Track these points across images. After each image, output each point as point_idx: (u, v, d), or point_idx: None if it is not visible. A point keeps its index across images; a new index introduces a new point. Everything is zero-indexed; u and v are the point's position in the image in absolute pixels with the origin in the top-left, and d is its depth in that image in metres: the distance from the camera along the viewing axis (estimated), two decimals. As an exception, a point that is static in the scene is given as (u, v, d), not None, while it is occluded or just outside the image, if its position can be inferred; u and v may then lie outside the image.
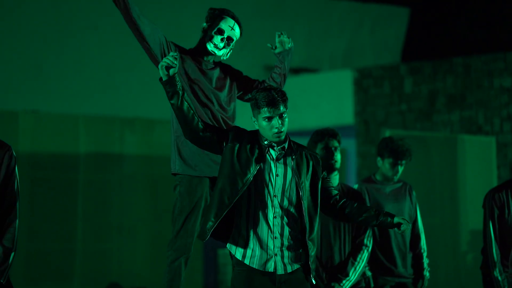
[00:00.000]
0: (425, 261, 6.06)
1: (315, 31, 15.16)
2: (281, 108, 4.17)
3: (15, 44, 12.15)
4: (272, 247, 4.17)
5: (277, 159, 4.22)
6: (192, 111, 4.18)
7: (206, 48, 4.89)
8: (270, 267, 4.17)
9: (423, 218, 6.24)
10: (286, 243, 4.18)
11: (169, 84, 4.15)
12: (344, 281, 5.30)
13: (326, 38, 15.32)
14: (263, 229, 4.17)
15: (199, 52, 4.92)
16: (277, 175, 4.19)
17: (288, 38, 5.09)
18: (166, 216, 9.83)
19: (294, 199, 4.20)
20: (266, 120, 4.17)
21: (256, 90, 4.26)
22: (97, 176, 10.15)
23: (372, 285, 5.80)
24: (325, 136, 5.43)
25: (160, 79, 4.18)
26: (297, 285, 4.20)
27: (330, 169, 5.38)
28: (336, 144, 5.43)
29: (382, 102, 12.16)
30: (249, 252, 4.17)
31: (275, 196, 4.18)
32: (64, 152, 10.01)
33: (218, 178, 4.20)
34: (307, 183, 4.24)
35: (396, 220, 4.32)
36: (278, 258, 4.17)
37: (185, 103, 4.17)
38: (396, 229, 4.34)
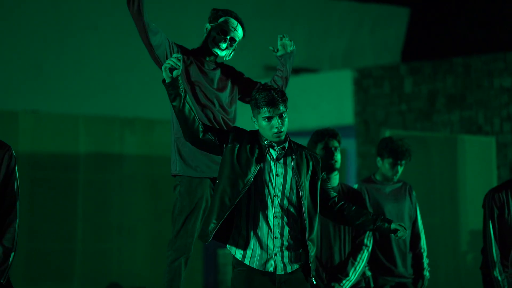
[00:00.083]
0: (425, 261, 6.06)
1: (315, 31, 15.17)
2: (281, 108, 4.17)
3: (15, 44, 12.16)
4: (272, 247, 4.17)
5: (277, 159, 4.22)
6: (193, 114, 4.18)
7: (208, 48, 4.89)
8: (270, 267, 4.17)
9: (423, 218, 6.24)
10: (286, 243, 4.18)
11: (171, 86, 4.15)
12: (344, 281, 5.30)
13: (326, 38, 15.33)
14: (263, 229, 4.17)
15: (202, 53, 4.92)
16: (277, 175, 4.20)
17: (290, 41, 5.09)
18: (166, 216, 9.83)
19: (294, 199, 4.20)
20: (266, 120, 4.18)
21: (256, 90, 4.26)
22: (97, 176, 10.15)
23: (372, 285, 5.80)
24: (325, 136, 5.43)
25: (163, 80, 4.17)
26: (297, 285, 4.20)
27: (330, 169, 5.38)
28: (336, 144, 5.43)
29: (382, 102, 12.16)
30: (249, 252, 4.17)
31: (275, 196, 4.18)
32: (64, 152, 10.01)
33: (219, 180, 4.20)
34: (307, 183, 4.25)
35: (393, 226, 4.33)
36: (278, 258, 4.18)
37: (187, 105, 4.16)
38: (393, 235, 4.34)
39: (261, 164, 4.17)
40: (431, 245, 6.65)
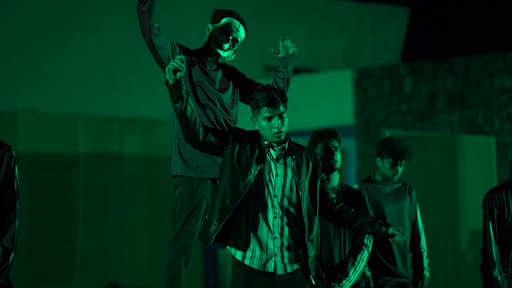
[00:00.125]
0: (425, 261, 6.06)
1: (315, 31, 15.17)
2: (281, 108, 4.17)
3: (15, 44, 12.17)
4: (272, 247, 4.17)
5: (277, 159, 4.22)
6: (194, 116, 4.17)
7: (211, 49, 4.89)
8: (270, 267, 4.17)
9: (423, 218, 6.23)
10: (286, 243, 4.18)
11: (175, 88, 4.14)
12: (344, 281, 5.30)
13: (326, 38, 15.33)
14: (263, 229, 4.17)
15: (204, 53, 4.92)
16: (277, 175, 4.19)
17: (291, 42, 5.09)
18: (166, 216, 9.84)
19: (294, 199, 4.20)
20: (266, 120, 4.18)
21: (256, 90, 4.26)
22: (97, 176, 10.15)
23: (372, 285, 5.80)
24: (325, 136, 5.43)
25: (166, 82, 4.15)
26: (297, 285, 4.20)
27: (330, 169, 5.38)
28: (336, 144, 5.43)
29: (382, 102, 12.16)
30: (249, 252, 4.17)
31: (275, 196, 4.18)
32: (64, 152, 10.01)
33: (219, 181, 4.19)
34: (306, 184, 4.25)
35: (391, 230, 4.33)
36: (278, 258, 4.18)
37: (189, 107, 4.15)
38: (390, 239, 4.34)
39: (261, 165, 4.17)
40: (431, 245, 6.65)
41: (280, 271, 4.17)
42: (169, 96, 4.17)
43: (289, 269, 4.19)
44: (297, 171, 4.21)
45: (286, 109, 4.21)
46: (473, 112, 11.39)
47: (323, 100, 12.77)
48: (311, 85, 12.94)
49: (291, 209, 4.20)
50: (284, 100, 4.20)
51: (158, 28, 4.71)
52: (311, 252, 4.23)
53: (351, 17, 15.54)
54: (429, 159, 9.34)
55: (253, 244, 4.17)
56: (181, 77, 4.13)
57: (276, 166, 4.21)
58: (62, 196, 9.90)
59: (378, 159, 5.99)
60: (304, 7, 15.09)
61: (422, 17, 15.81)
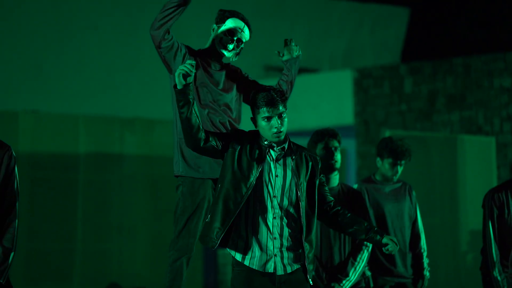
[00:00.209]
0: (425, 261, 6.06)
1: (315, 31, 15.17)
2: (280, 107, 4.17)
3: (15, 44, 12.17)
4: (271, 248, 4.17)
5: (277, 160, 4.22)
6: (198, 122, 4.15)
7: (215, 49, 4.89)
8: (270, 268, 4.17)
9: (423, 218, 6.23)
10: (285, 243, 4.18)
11: (183, 93, 4.12)
12: (344, 281, 5.30)
13: (326, 38, 15.33)
14: (262, 230, 4.17)
15: (208, 54, 4.92)
16: (276, 176, 4.19)
17: (296, 46, 5.10)
18: (166, 216, 9.84)
19: (293, 200, 4.20)
20: (265, 120, 4.17)
21: (255, 91, 4.26)
22: (97, 176, 10.15)
23: (371, 285, 5.80)
24: (325, 136, 5.43)
25: (175, 86, 4.15)
26: (297, 285, 4.20)
27: (330, 169, 5.38)
28: (336, 144, 5.43)
29: (382, 102, 12.16)
30: (248, 253, 4.17)
31: (274, 196, 4.18)
32: (64, 152, 10.02)
33: (220, 184, 4.18)
34: (305, 184, 4.24)
35: (385, 240, 4.32)
36: (278, 258, 4.17)
37: (194, 114, 4.13)
38: (383, 248, 4.33)
39: (262, 166, 4.17)
40: (431, 245, 6.65)
41: (280, 271, 4.17)
42: (175, 99, 4.16)
43: (289, 270, 4.19)
44: (296, 172, 4.21)
45: (286, 109, 4.21)
46: (473, 112, 11.39)
47: (323, 100, 12.77)
48: (311, 85, 12.94)
49: (291, 210, 4.20)
50: (284, 100, 4.20)
51: (168, 32, 4.73)
52: (309, 253, 4.22)
53: (351, 17, 15.54)
54: (429, 159, 9.34)
55: (253, 245, 4.16)
56: (190, 82, 4.13)
57: (276, 167, 4.20)
58: (62, 196, 9.90)
59: (378, 159, 5.99)
60: (304, 7, 15.09)
61: (422, 17, 15.81)
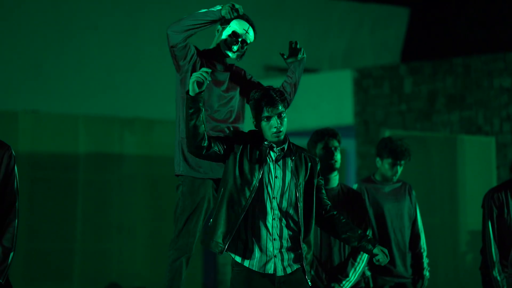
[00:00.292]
0: (425, 261, 6.06)
1: (315, 31, 15.16)
2: (280, 107, 4.17)
3: (15, 44, 12.16)
4: (271, 249, 4.17)
5: (276, 161, 4.22)
6: (204, 129, 4.15)
7: (220, 50, 4.90)
8: (270, 269, 4.17)
9: (423, 218, 6.23)
10: (285, 244, 4.18)
11: (194, 100, 4.12)
12: (344, 282, 5.30)
13: (326, 38, 15.32)
14: (262, 231, 4.17)
15: (213, 54, 4.92)
16: (276, 177, 4.19)
17: (301, 48, 5.10)
18: (166, 216, 9.85)
19: (292, 201, 4.20)
20: (265, 120, 4.17)
21: (255, 91, 4.26)
22: (97, 176, 10.16)
23: (371, 285, 5.80)
24: (325, 136, 5.43)
25: (187, 92, 4.15)
26: (297, 285, 4.20)
27: (330, 169, 5.37)
28: (336, 144, 5.43)
29: (382, 102, 12.15)
30: (248, 254, 4.17)
31: (274, 198, 4.17)
32: (64, 152, 10.02)
33: (223, 187, 4.18)
34: (304, 185, 4.24)
35: (376, 250, 4.29)
36: (278, 259, 4.17)
37: (202, 122, 4.13)
38: (373, 259, 4.32)
39: (263, 168, 4.17)
40: (430, 245, 6.65)
41: (280, 272, 4.17)
42: (185, 105, 4.15)
43: (288, 270, 4.19)
44: (295, 173, 4.21)
45: (285, 109, 4.21)
46: (473, 112, 11.39)
47: (323, 100, 12.77)
48: (311, 85, 12.93)
49: (290, 211, 4.20)
50: (283, 100, 4.20)
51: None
52: (307, 254, 4.22)
53: (351, 17, 15.53)
54: (429, 159, 9.34)
55: (253, 246, 4.16)
56: (203, 90, 4.12)
57: (275, 168, 4.20)
58: (62, 196, 9.91)
59: (378, 159, 5.99)
60: (304, 7, 15.08)
61: (422, 17, 15.80)
